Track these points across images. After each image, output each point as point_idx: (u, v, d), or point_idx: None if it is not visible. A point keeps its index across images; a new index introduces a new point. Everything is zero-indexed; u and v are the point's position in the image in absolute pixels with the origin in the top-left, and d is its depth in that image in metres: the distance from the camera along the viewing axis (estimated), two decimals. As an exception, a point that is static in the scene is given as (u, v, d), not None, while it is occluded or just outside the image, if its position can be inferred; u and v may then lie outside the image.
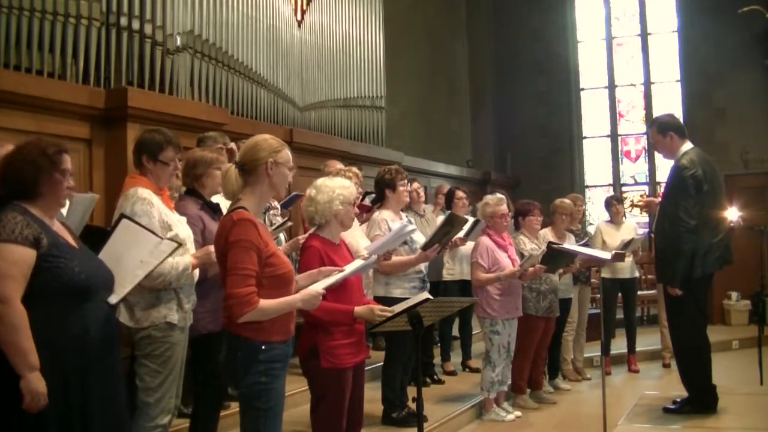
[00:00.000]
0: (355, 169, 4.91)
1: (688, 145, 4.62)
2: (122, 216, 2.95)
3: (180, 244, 3.03)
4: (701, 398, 4.49)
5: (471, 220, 5.57)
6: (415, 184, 6.18)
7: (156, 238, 2.92)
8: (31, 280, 2.35)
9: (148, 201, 3.16)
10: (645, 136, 12.61)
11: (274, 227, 4.33)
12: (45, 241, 2.39)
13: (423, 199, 6.37)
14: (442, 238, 4.53)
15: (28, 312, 2.31)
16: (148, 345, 3.16)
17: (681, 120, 5.02)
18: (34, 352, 2.29)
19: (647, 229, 5.01)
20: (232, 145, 4.67)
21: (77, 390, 2.40)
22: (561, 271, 5.67)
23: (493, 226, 5.23)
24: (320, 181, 3.45)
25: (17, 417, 2.30)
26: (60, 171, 2.50)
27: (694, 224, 4.37)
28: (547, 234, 5.84)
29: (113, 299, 2.68)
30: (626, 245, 5.97)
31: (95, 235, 2.92)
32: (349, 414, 3.28)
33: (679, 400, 4.60)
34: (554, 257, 5.12)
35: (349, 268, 3.13)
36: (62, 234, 2.54)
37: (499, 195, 5.41)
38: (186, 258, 3.20)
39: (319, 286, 2.87)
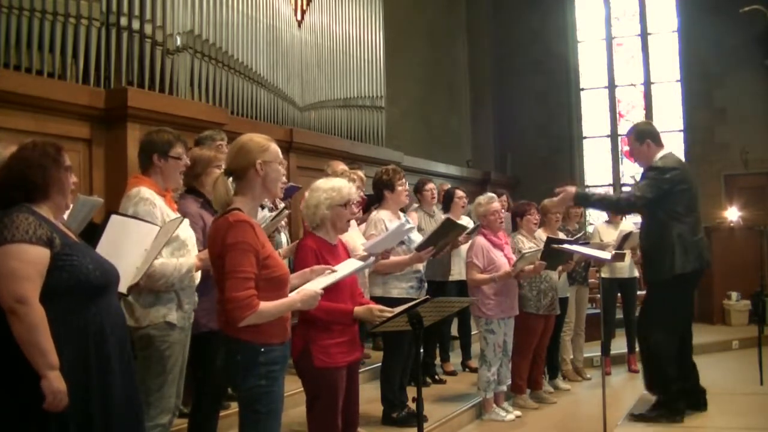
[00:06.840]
0: (360, 173, 4.87)
1: (663, 152, 4.64)
2: (110, 213, 2.95)
3: (184, 218, 3.02)
4: (669, 404, 4.45)
5: (472, 224, 5.57)
6: (430, 185, 6.15)
7: (152, 225, 2.91)
8: (46, 279, 2.35)
9: (150, 201, 3.16)
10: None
11: (273, 215, 4.14)
12: (57, 240, 2.39)
13: (436, 200, 6.33)
14: (438, 241, 4.51)
15: (45, 312, 2.31)
16: (147, 344, 3.16)
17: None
18: (54, 352, 2.28)
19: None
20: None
21: (98, 387, 2.40)
22: (560, 269, 5.70)
23: (488, 225, 5.24)
24: (316, 182, 3.43)
25: (40, 421, 2.30)
26: (64, 168, 2.52)
27: (673, 221, 4.40)
28: (541, 234, 5.85)
29: (124, 288, 2.69)
30: (625, 238, 5.97)
31: (85, 231, 2.92)
32: (344, 413, 3.26)
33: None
34: (553, 254, 5.14)
35: (347, 268, 3.08)
36: (68, 233, 2.55)
37: (489, 194, 5.43)
38: (190, 259, 3.20)
39: (317, 286, 2.82)
